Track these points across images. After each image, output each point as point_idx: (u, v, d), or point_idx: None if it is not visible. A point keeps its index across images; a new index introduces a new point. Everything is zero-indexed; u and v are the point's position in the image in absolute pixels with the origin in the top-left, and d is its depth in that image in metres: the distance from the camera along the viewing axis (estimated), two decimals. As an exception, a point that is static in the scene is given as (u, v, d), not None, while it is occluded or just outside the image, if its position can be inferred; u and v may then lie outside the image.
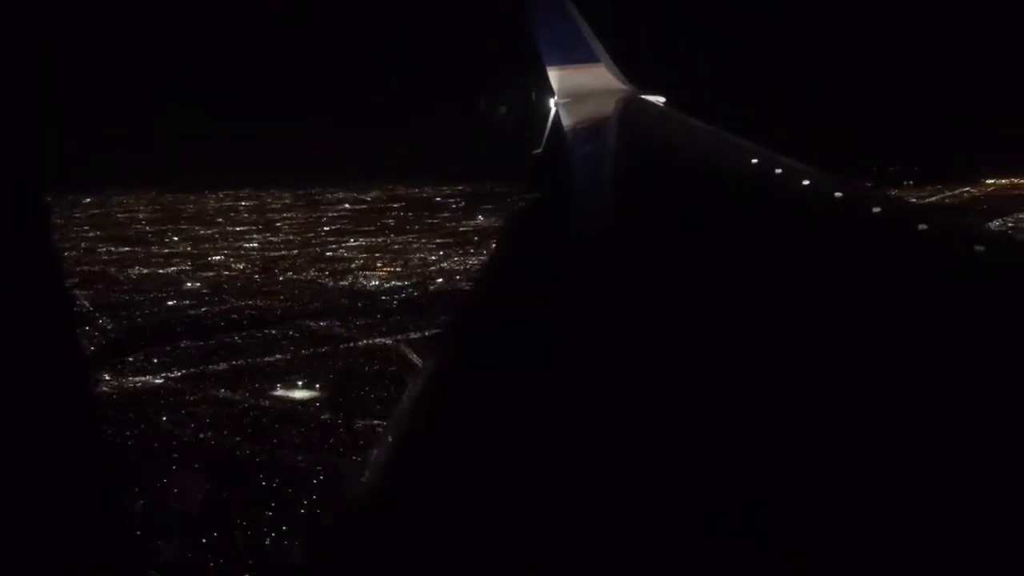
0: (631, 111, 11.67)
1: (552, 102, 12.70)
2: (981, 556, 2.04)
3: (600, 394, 2.99)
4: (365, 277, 63.45)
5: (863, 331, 3.33)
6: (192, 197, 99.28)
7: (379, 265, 66.79)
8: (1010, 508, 2.18)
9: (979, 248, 4.15)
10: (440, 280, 61.22)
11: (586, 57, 13.19)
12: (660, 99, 12.52)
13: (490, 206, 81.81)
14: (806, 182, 6.56)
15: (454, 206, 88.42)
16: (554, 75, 13.03)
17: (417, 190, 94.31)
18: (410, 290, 59.25)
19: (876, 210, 5.34)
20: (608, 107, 11.69)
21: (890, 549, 2.07)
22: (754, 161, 7.48)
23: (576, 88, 12.86)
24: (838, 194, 5.96)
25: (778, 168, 7.04)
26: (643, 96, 12.76)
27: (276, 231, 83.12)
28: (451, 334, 5.20)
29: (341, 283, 62.03)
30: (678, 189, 6.91)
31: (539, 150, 11.58)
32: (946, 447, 2.48)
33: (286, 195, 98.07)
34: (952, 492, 2.26)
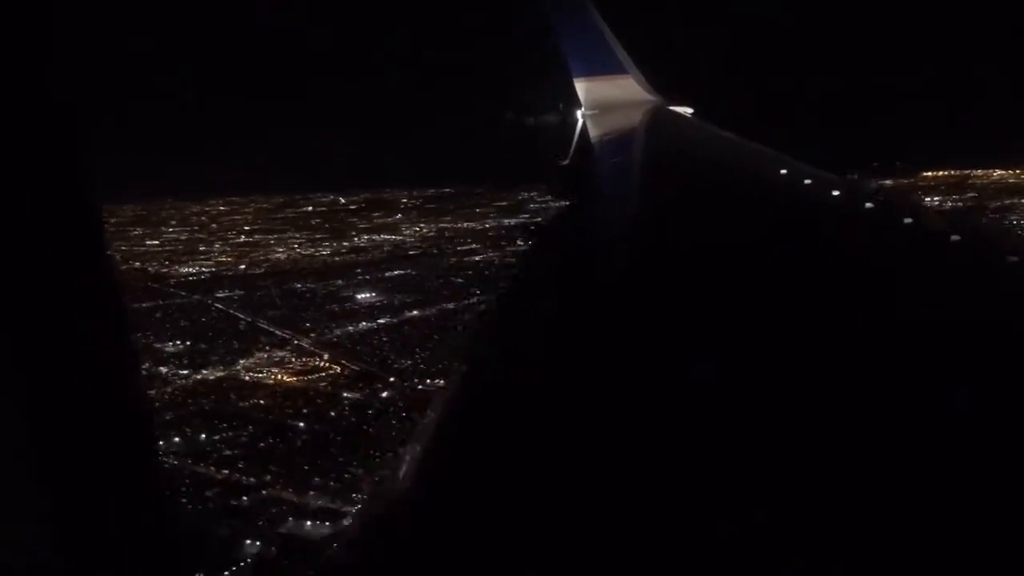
0: (659, 122, 11.66)
1: (579, 113, 12.72)
2: (957, 554, 2.03)
3: (628, 392, 3.02)
4: (192, 265, 67.93)
5: (873, 336, 3.34)
6: (191, 205, 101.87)
7: (222, 258, 70.68)
8: (991, 504, 2.18)
9: None
10: (242, 266, 66.56)
11: (613, 68, 13.21)
12: (688, 110, 12.51)
13: (433, 205, 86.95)
14: (835, 192, 6.53)
15: (405, 204, 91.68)
16: (581, 86, 13.05)
17: (404, 192, 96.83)
18: (205, 274, 64.44)
19: (908, 221, 5.31)
20: (635, 118, 11.69)
21: (879, 550, 2.08)
22: (783, 172, 7.46)
23: (603, 99, 12.87)
24: (869, 205, 5.94)
25: (806, 179, 7.02)
26: (671, 107, 12.76)
27: (198, 231, 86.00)
28: (483, 335, 5.25)
29: (161, 270, 66.29)
30: (706, 200, 6.91)
31: (566, 160, 11.61)
32: (934, 446, 2.49)
33: (277, 200, 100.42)
34: (937, 488, 2.27)
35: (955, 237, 4.97)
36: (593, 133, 11.66)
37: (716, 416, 2.82)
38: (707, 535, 2.25)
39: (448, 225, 75.30)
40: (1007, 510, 2.19)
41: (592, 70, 13.13)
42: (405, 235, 74.62)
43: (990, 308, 3.61)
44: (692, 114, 12.46)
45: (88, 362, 1.66)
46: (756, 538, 2.19)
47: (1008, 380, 2.88)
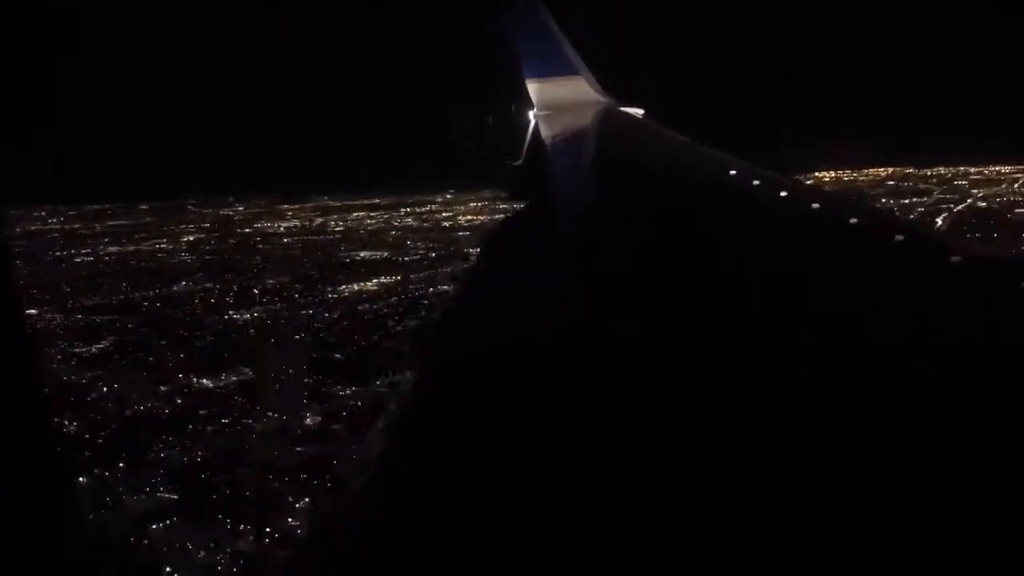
0: (610, 123, 11.76)
1: (532, 114, 12.76)
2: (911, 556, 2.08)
3: (585, 387, 3.05)
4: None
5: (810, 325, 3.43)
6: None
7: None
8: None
9: None
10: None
11: (566, 70, 13.29)
12: (639, 111, 12.65)
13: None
14: (784, 193, 6.68)
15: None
16: (533, 88, 13.09)
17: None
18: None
19: (853, 221, 5.45)
20: (587, 119, 11.78)
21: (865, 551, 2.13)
22: (732, 172, 7.60)
23: (555, 100, 12.93)
24: (815, 205, 6.08)
25: (755, 179, 7.16)
26: (622, 108, 12.89)
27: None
28: (437, 338, 5.24)
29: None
30: (655, 200, 7.01)
31: (519, 161, 11.63)
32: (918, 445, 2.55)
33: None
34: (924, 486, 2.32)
35: (899, 237, 5.11)
36: (545, 133, 11.71)
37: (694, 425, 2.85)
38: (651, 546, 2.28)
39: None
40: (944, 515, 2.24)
41: (544, 72, 13.19)
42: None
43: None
44: (642, 114, 12.60)
45: None
46: (684, 546, 2.22)
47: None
